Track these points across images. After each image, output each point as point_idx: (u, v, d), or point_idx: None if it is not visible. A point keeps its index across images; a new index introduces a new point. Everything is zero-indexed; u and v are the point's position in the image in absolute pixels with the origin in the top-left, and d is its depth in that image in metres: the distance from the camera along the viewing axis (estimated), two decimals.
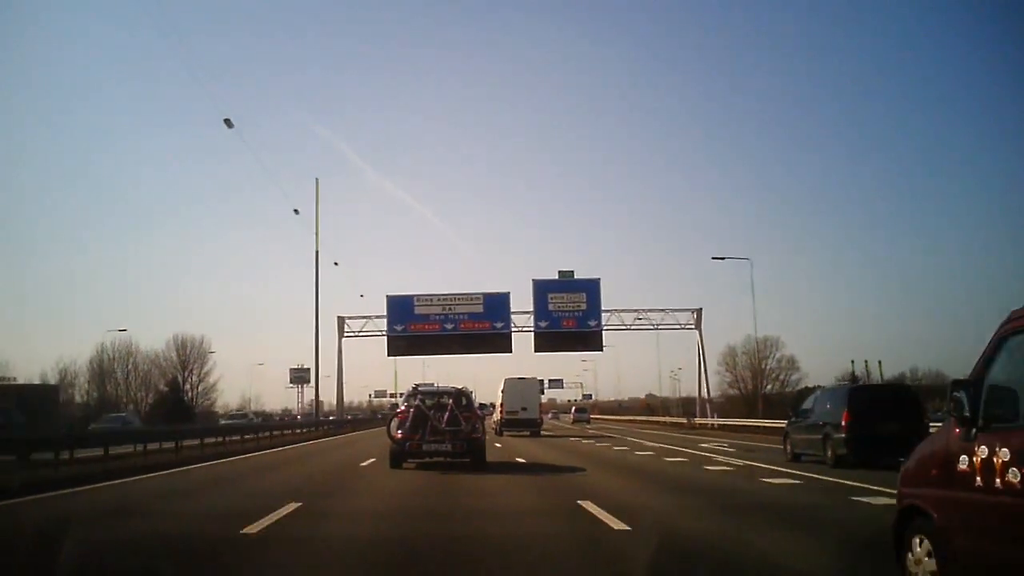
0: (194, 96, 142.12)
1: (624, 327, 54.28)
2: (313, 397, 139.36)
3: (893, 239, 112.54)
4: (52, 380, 75.15)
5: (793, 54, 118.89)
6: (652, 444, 27.88)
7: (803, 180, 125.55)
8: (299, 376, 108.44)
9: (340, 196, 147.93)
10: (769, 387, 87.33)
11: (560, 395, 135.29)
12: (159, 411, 70.43)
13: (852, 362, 37.18)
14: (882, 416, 15.69)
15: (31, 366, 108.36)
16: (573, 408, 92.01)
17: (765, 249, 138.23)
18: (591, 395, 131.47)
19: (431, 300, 52.97)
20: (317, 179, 45.37)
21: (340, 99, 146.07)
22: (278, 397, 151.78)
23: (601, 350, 53.53)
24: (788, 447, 18.68)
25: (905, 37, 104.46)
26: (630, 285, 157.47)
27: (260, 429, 29.73)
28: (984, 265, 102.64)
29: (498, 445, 26.60)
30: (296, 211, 39.90)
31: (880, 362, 35.17)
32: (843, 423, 15.67)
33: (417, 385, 18.18)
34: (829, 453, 16.04)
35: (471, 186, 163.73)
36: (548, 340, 52.88)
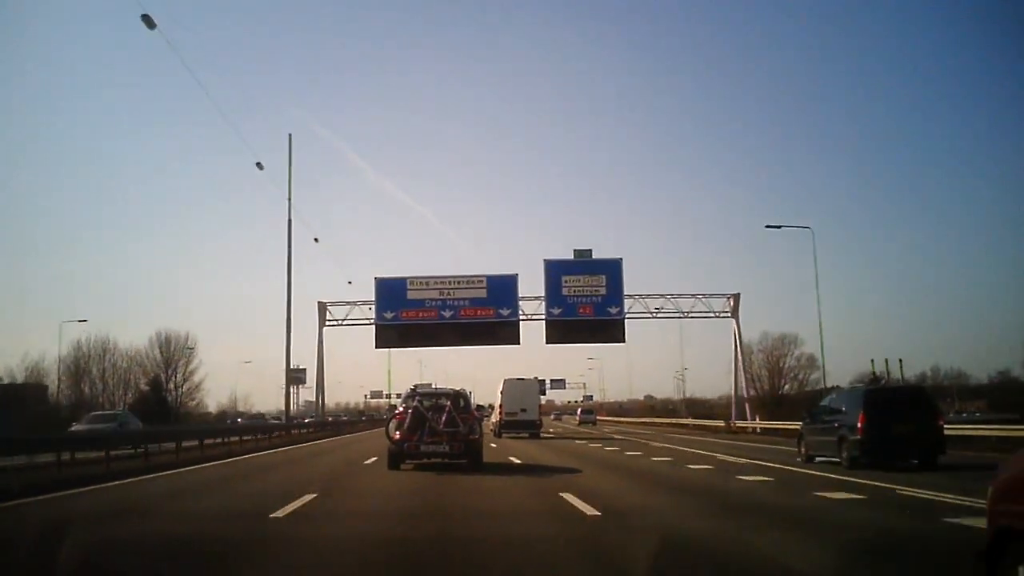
0: (189, 94, 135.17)
1: (649, 315, 46.00)
2: (307, 398, 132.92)
3: (914, 236, 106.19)
4: (19, 378, 69.18)
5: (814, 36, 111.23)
6: (731, 459, 19.55)
7: (826, 175, 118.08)
8: (295, 376, 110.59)
9: (333, 188, 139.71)
10: (787, 387, 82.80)
11: (560, 396, 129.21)
12: (139, 412, 66.08)
13: (872, 361, 33.76)
14: (897, 418, 15.45)
15: None
16: (579, 409, 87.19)
17: (789, 241, 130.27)
18: (592, 396, 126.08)
19: (426, 283, 44.76)
20: (290, 135, 37.24)
21: (328, 85, 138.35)
22: (274, 398, 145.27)
23: (623, 341, 45.25)
24: (802, 449, 18.26)
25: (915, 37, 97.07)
26: (655, 268, 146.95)
27: (148, 439, 19.04)
28: (1007, 265, 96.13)
29: (516, 461, 18.69)
30: (260, 165, 31.62)
31: (900, 361, 30.76)
32: (858, 425, 15.36)
33: (415, 386, 18.14)
34: (844, 454, 15.77)
35: (473, 163, 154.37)
36: (562, 329, 44.67)
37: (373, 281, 44.94)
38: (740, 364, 46.28)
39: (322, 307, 45.95)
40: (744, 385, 46.74)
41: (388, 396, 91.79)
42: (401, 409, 15.57)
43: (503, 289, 44.55)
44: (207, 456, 19.95)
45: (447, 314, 44.40)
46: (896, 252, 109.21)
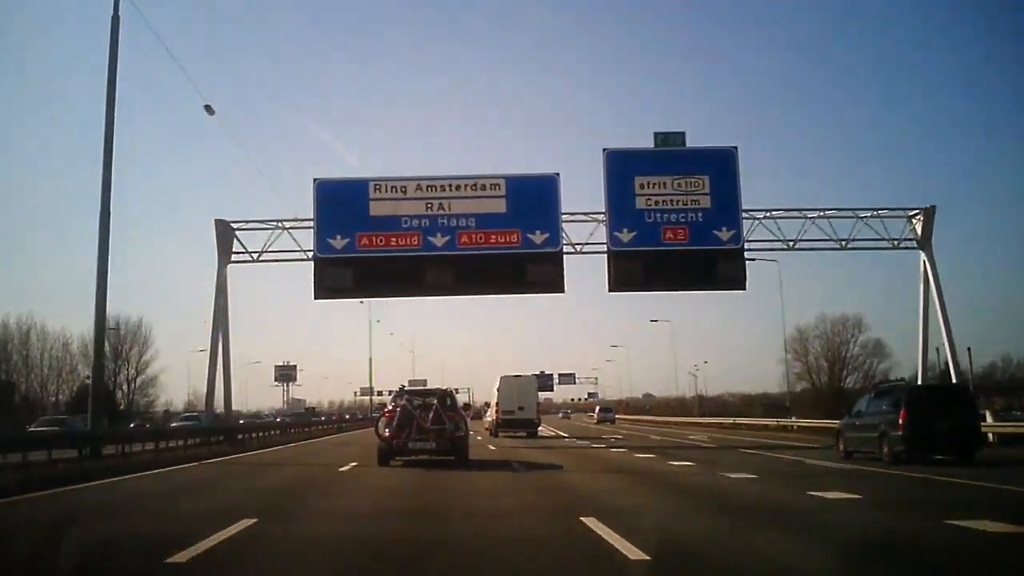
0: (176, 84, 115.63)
1: (782, 244, 25.69)
2: (296, 396, 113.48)
3: (988, 211, 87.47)
4: None
5: None
6: None
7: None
8: (284, 373, 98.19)
9: None
10: (850, 379, 63.99)
11: (569, 392, 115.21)
12: (77, 408, 51.36)
13: (937, 350, 26.46)
14: (938, 415, 15.40)
15: None
16: (598, 407, 77.21)
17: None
18: (597, 393, 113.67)
19: (403, 189, 24.75)
20: None
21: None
22: (262, 397, 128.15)
23: (742, 285, 25.00)
24: (841, 445, 18.03)
25: None
26: (785, 171, 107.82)
27: None
28: None
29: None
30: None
31: (969, 349, 25.38)
32: (900, 421, 15.33)
33: (404, 385, 18.55)
34: (886, 450, 15.73)
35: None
36: (636, 267, 24.63)
37: (312, 189, 24.49)
38: (944, 326, 25.66)
39: (225, 230, 25.48)
40: (954, 359, 26.15)
41: (374, 393, 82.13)
42: (391, 408, 15.72)
43: (535, 199, 24.60)
44: None
45: (438, 240, 24.23)
46: (973, 226, 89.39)
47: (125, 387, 69.36)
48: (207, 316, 24.97)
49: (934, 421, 15.17)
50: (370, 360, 67.91)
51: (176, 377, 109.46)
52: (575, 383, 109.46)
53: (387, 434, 14.85)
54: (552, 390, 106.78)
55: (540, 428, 35.64)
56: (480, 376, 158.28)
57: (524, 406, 32.96)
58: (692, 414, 69.46)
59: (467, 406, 49.07)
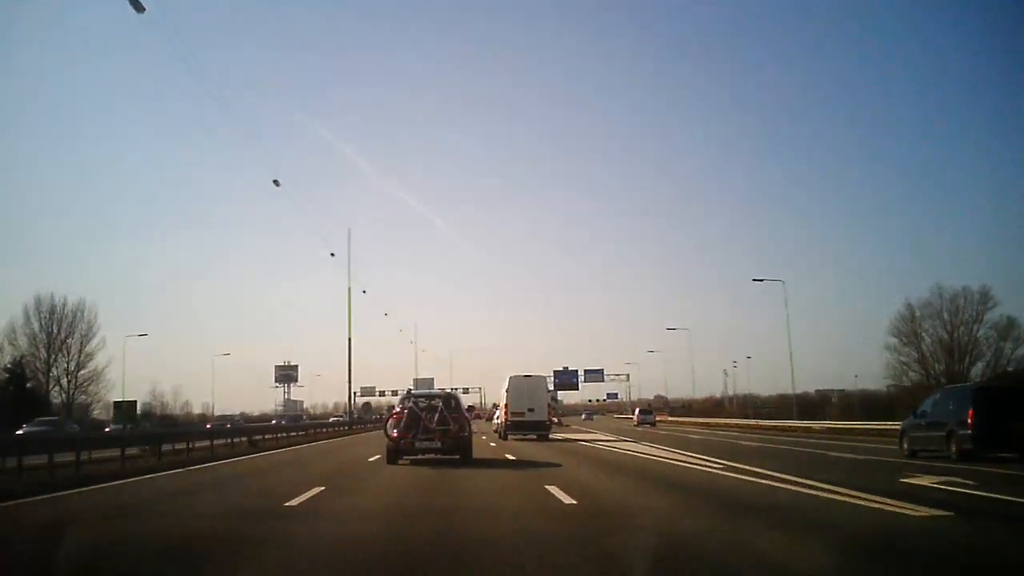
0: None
1: None
2: (295, 397, 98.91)
3: None
4: None
5: None
6: None
7: None
8: (285, 373, 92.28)
9: None
10: (978, 368, 50.98)
11: (591, 391, 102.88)
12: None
13: None
14: (1005, 414, 15.70)
15: None
16: (637, 409, 68.35)
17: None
18: (617, 394, 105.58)
19: None
20: None
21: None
22: (253, 397, 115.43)
23: None
24: (905, 444, 18.63)
25: None
26: None
27: None
28: None
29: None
30: None
31: None
32: (968, 420, 15.80)
33: (410, 389, 19.72)
34: (953, 448, 16.16)
35: None
36: None
37: None
38: None
39: None
40: None
41: (360, 392, 78.21)
42: (398, 409, 16.33)
43: None
44: None
45: None
46: None
47: (65, 382, 57.10)
48: None
49: (1001, 420, 15.40)
50: (348, 340, 47.77)
51: (130, 368, 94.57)
52: (603, 380, 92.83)
53: (395, 434, 15.59)
54: (576, 388, 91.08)
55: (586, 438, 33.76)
56: (493, 373, 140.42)
57: (534, 407, 31.80)
58: (733, 415, 65.79)
59: (471, 408, 46.71)
